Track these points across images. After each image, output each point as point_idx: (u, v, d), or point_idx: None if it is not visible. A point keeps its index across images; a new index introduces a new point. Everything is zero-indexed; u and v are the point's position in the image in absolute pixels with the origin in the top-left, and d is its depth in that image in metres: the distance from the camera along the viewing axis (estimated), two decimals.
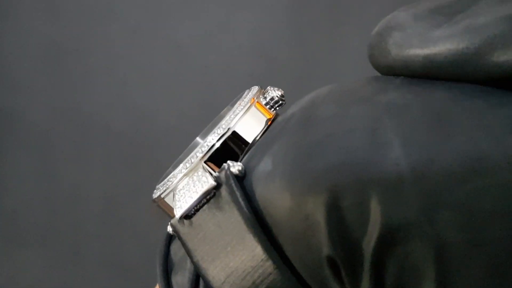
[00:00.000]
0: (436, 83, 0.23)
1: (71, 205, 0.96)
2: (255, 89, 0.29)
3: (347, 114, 0.22)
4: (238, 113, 0.26)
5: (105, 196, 0.95)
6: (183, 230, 0.24)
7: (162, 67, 0.92)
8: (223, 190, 0.23)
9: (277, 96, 0.28)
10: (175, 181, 0.26)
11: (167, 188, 0.26)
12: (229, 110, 0.30)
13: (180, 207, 0.24)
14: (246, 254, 0.22)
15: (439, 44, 0.23)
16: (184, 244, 0.24)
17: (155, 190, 0.27)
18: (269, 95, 0.28)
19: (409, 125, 0.21)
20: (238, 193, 0.22)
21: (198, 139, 0.31)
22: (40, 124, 0.95)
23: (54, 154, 0.95)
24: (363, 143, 0.21)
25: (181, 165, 0.26)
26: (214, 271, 0.23)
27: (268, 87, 0.28)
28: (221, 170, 0.24)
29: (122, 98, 0.93)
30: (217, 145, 0.26)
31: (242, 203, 0.22)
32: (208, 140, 0.26)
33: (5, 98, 0.95)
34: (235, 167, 0.23)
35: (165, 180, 0.27)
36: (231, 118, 0.26)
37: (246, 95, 0.28)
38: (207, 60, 0.91)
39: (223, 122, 0.26)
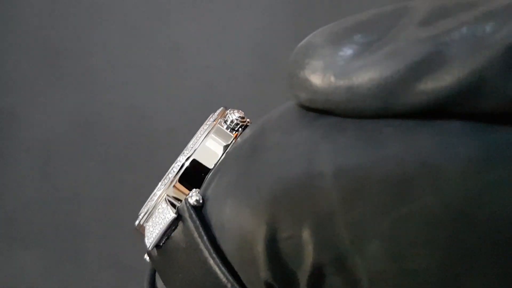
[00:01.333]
0: None
1: (71, 205, 0.96)
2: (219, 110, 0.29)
3: (289, 141, 0.22)
4: (200, 137, 0.27)
5: (105, 196, 0.95)
6: (157, 258, 0.25)
7: (162, 67, 0.92)
8: (185, 221, 0.24)
9: (236, 119, 0.27)
10: (151, 208, 0.26)
11: (145, 215, 0.26)
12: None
13: (148, 238, 0.25)
14: (211, 281, 0.23)
15: (361, 74, 0.20)
16: (159, 273, 0.25)
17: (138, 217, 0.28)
18: (229, 118, 0.28)
19: (342, 151, 0.20)
20: (198, 224, 0.23)
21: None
22: (40, 124, 0.95)
23: (54, 154, 0.95)
24: (299, 174, 0.21)
25: (155, 189, 0.26)
26: None
27: (229, 110, 0.29)
28: (183, 200, 0.24)
29: (122, 98, 0.93)
30: (187, 164, 0.26)
31: (203, 234, 0.23)
32: (177, 162, 0.26)
33: (5, 98, 0.95)
34: (193, 197, 0.24)
35: (143, 206, 0.27)
36: (193, 142, 0.26)
37: (210, 118, 0.28)
38: (207, 60, 0.91)
39: (189, 144, 0.27)
